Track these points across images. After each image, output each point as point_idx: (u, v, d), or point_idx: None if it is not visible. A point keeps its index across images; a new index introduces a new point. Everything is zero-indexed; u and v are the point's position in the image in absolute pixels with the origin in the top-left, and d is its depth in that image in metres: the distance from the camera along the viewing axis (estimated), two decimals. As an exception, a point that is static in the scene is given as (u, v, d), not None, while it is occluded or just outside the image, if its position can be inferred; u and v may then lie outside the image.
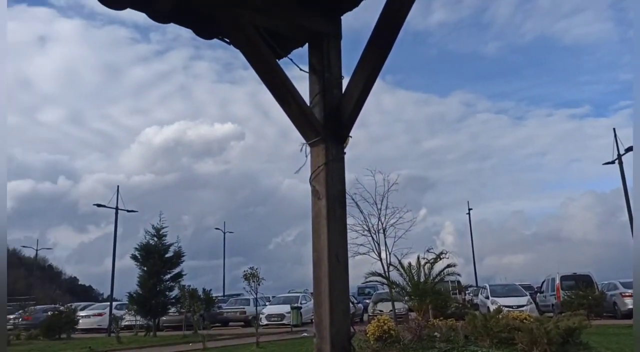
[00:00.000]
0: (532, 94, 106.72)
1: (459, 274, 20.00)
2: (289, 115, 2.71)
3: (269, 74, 2.65)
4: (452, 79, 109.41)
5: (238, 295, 30.69)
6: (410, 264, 16.62)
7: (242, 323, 25.81)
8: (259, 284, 16.58)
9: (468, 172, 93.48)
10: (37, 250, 75.97)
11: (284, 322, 22.67)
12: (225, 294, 38.25)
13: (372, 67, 2.64)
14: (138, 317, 22.96)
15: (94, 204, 28.37)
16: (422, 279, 16.21)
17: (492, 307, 15.77)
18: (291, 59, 2.94)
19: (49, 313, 23.13)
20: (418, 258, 16.52)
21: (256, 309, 21.23)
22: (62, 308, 23.89)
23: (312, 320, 23.56)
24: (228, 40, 3.13)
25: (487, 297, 22.29)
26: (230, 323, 26.42)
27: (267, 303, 26.05)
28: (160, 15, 2.82)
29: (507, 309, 14.71)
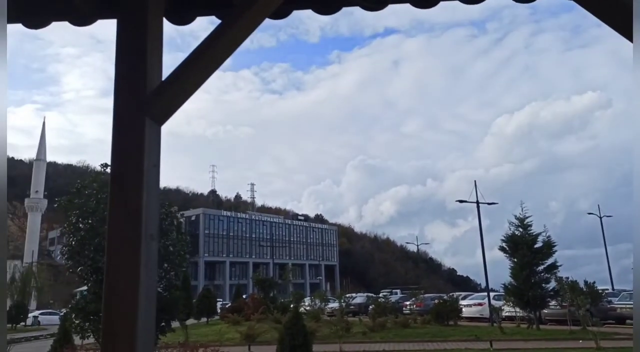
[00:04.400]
0: None
1: None
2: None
3: None
4: None
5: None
6: None
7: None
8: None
9: None
10: (417, 245, 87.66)
11: None
12: (615, 287, 33.28)
13: None
14: (517, 309, 22.89)
15: (457, 200, 30.55)
16: None
17: None
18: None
19: (436, 301, 25.97)
20: None
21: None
22: (446, 297, 26.42)
23: None
24: None
25: None
26: (628, 321, 22.74)
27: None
28: None
29: None
